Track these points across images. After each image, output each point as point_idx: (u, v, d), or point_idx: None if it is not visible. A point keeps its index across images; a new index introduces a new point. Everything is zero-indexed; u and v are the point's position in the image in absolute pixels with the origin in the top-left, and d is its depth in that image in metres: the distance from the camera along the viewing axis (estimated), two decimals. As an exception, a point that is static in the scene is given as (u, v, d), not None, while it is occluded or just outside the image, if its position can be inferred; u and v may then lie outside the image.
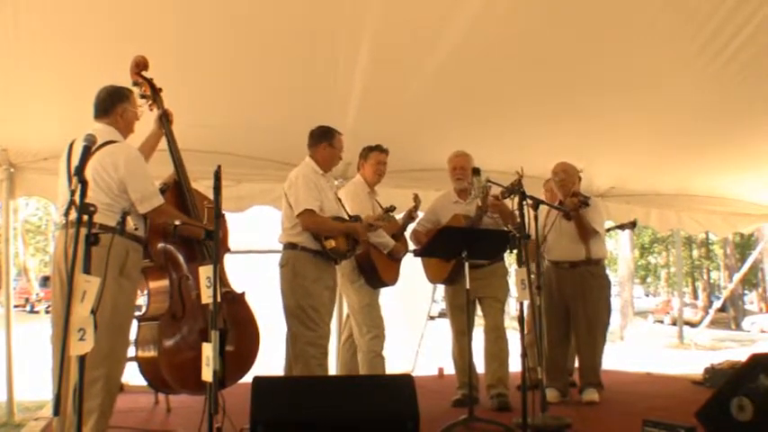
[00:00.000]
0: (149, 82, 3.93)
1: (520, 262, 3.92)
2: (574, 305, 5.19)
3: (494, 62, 4.70)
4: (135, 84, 3.89)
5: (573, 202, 4.97)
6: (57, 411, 2.99)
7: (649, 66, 4.76)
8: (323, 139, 4.46)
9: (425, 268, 5.16)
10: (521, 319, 3.95)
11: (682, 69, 4.80)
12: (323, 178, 4.44)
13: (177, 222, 3.39)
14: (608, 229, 6.33)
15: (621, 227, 6.23)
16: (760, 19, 4.14)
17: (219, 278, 3.05)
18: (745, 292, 32.36)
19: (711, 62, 4.63)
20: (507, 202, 4.55)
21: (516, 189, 4.17)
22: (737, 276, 16.53)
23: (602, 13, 4.21)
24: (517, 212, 4.06)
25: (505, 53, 4.62)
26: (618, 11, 4.19)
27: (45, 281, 26.33)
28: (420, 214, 5.29)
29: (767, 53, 4.52)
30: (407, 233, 5.18)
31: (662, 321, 27.71)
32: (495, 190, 4.63)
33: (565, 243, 5.20)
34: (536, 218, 4.31)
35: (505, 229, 4.76)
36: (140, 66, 3.88)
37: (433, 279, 5.25)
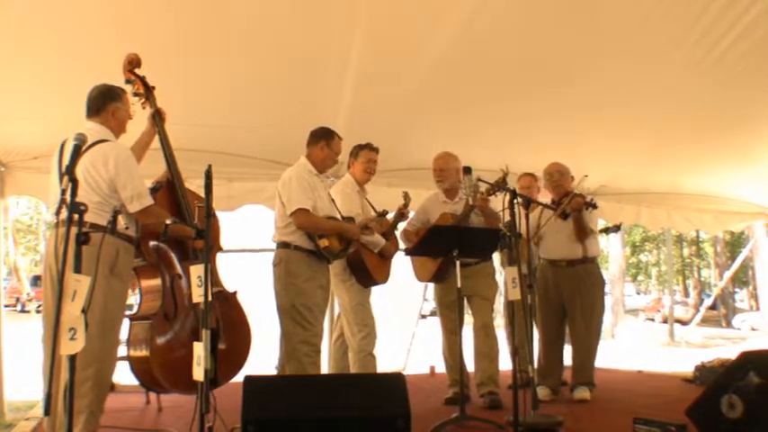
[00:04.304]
0: (142, 80, 3.90)
1: (510, 260, 3.92)
2: (570, 304, 5.20)
3: (485, 61, 4.70)
4: (127, 81, 3.85)
5: (578, 203, 4.98)
6: (47, 411, 2.98)
7: (640, 64, 4.76)
8: (320, 139, 4.45)
9: (413, 266, 5.17)
10: (511, 318, 3.95)
11: (672, 68, 4.81)
12: (317, 178, 4.43)
13: (168, 221, 3.37)
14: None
15: (606, 230, 5.99)
16: (751, 17, 4.14)
17: (211, 277, 3.04)
18: (736, 290, 32.51)
19: (702, 60, 4.64)
20: (497, 200, 4.54)
21: (502, 186, 4.18)
22: (728, 274, 16.54)
23: (592, 12, 4.21)
24: (507, 211, 4.06)
25: (496, 52, 4.61)
26: (609, 9, 4.20)
27: (36, 280, 26.26)
28: (411, 212, 5.29)
29: (758, 51, 4.54)
30: (398, 232, 5.19)
31: (653, 319, 27.79)
32: (484, 188, 4.64)
33: (563, 242, 5.21)
34: (527, 216, 4.32)
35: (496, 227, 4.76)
36: (133, 63, 3.84)
37: (420, 277, 5.25)
